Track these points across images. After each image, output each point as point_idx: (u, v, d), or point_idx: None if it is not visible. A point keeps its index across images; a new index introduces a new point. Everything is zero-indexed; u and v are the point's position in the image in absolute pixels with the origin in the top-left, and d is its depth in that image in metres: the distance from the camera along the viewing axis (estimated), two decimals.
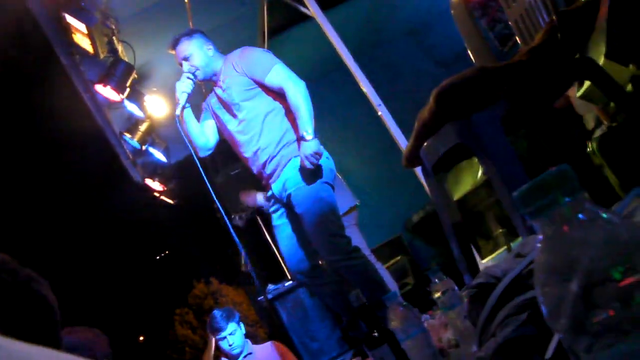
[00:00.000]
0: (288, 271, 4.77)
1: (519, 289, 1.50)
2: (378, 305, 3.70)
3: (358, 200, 6.22)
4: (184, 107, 4.55)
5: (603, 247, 0.68)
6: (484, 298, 1.60)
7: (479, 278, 1.62)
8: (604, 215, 0.71)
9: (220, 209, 4.70)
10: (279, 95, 4.48)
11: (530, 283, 1.49)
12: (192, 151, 4.68)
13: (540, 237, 0.75)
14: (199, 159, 4.75)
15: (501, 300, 1.54)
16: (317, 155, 4.28)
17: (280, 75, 4.41)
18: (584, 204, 0.72)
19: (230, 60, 4.56)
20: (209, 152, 4.77)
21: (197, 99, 4.82)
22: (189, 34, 4.65)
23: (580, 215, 0.71)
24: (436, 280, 2.70)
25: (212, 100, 4.71)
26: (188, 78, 4.51)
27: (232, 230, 4.68)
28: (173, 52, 4.63)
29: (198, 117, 4.74)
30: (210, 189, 4.70)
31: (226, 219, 4.72)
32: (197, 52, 4.57)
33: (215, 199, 4.68)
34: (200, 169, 4.62)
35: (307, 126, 4.28)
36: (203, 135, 4.70)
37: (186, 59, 4.56)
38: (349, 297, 3.73)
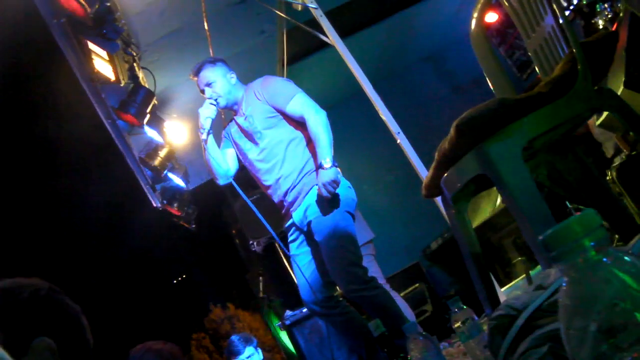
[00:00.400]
0: (303, 302, 4.75)
1: (539, 322, 1.51)
2: (397, 335, 3.70)
3: (374, 234, 6.22)
4: (209, 133, 4.59)
5: (625, 290, 0.69)
6: (504, 330, 1.60)
7: (499, 310, 1.63)
8: (627, 259, 0.72)
9: (265, 223, 4.72)
10: (300, 124, 4.50)
11: (551, 316, 1.50)
12: (215, 175, 4.72)
13: (561, 273, 0.76)
14: (212, 184, 4.77)
15: (522, 333, 1.54)
16: (335, 183, 4.26)
17: (301, 104, 4.44)
18: (608, 248, 0.73)
19: (252, 89, 4.60)
20: (229, 181, 4.78)
21: (217, 128, 4.85)
22: (213, 61, 4.70)
23: (604, 259, 0.73)
24: (456, 310, 2.70)
25: (233, 129, 4.73)
26: (211, 104, 4.56)
27: (277, 238, 4.72)
28: (195, 79, 4.66)
29: (218, 146, 4.78)
30: (252, 204, 4.73)
31: (269, 228, 4.74)
32: (220, 79, 4.61)
33: (257, 213, 4.71)
34: (239, 189, 4.65)
35: (325, 154, 4.29)
36: (224, 163, 4.73)
37: (209, 85, 4.60)
38: (369, 326, 3.75)
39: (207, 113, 4.54)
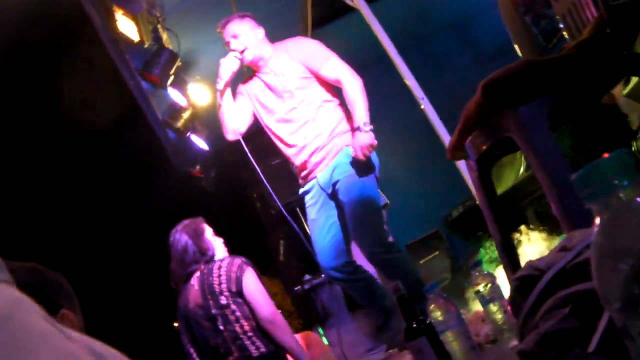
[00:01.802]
0: (320, 268, 4.77)
1: (562, 283, 1.49)
2: (417, 298, 3.71)
3: (387, 200, 6.20)
4: (226, 84, 4.59)
5: None
6: (527, 291, 1.59)
7: (522, 270, 1.62)
8: None
9: (273, 194, 4.73)
10: (331, 87, 4.57)
11: (575, 277, 1.49)
12: (225, 128, 4.73)
13: (597, 222, 0.75)
14: (234, 146, 4.78)
15: (544, 294, 1.53)
16: (372, 147, 4.34)
17: (337, 67, 4.48)
18: None
19: (285, 48, 4.60)
20: (238, 138, 4.75)
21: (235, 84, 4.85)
22: (241, 16, 4.70)
23: (638, 199, 0.71)
24: (477, 273, 2.70)
25: (255, 86, 4.71)
26: (235, 57, 4.55)
27: (287, 215, 4.72)
28: (222, 31, 4.64)
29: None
30: (261, 174, 4.73)
31: (276, 198, 4.75)
32: (247, 32, 4.60)
33: (266, 184, 4.71)
34: (247, 150, 4.64)
35: (364, 118, 4.35)
36: (237, 118, 4.71)
37: (235, 37, 4.58)
38: (388, 288, 3.75)
39: (229, 64, 4.55)
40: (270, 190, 4.76)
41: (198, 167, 7.49)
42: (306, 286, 6.31)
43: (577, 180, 0.74)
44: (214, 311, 4.08)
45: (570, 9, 3.19)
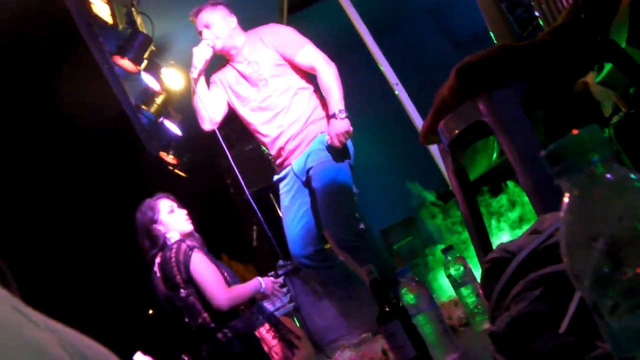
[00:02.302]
0: (289, 256, 4.76)
1: (533, 265, 1.50)
2: (389, 283, 3.72)
3: (356, 189, 6.20)
4: (200, 73, 4.57)
5: (631, 206, 0.68)
6: (498, 273, 1.60)
7: (494, 253, 1.62)
8: (632, 176, 0.70)
9: (240, 179, 4.69)
10: (306, 74, 4.56)
11: (546, 259, 1.49)
12: (200, 117, 4.68)
13: (566, 200, 0.74)
14: (207, 133, 4.75)
15: (515, 276, 1.53)
16: (347, 134, 4.33)
17: (312, 54, 4.47)
18: (613, 164, 0.71)
19: (258, 35, 4.57)
20: (213, 127, 4.72)
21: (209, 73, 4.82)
22: (214, 4, 4.66)
23: (608, 175, 0.71)
24: (449, 257, 2.71)
25: (229, 74, 4.69)
26: (207, 45, 4.53)
27: (253, 203, 4.68)
28: (195, 19, 4.62)
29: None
30: (232, 160, 4.70)
31: (247, 191, 4.72)
32: (219, 21, 4.57)
33: (236, 170, 4.68)
34: (220, 139, 4.61)
35: (339, 105, 4.34)
36: (211, 107, 4.68)
37: (207, 26, 4.56)
38: (361, 273, 3.76)
39: (202, 53, 4.52)
40: (240, 177, 4.73)
41: (171, 153, 7.44)
42: (280, 271, 6.29)
43: (547, 155, 0.73)
44: (177, 304, 4.10)
45: None
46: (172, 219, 4.28)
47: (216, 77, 4.76)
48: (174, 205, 4.37)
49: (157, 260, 4.19)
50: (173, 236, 4.24)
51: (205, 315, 4.07)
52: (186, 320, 4.09)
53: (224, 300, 4.03)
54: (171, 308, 4.16)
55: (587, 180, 0.71)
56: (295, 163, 4.54)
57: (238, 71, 4.62)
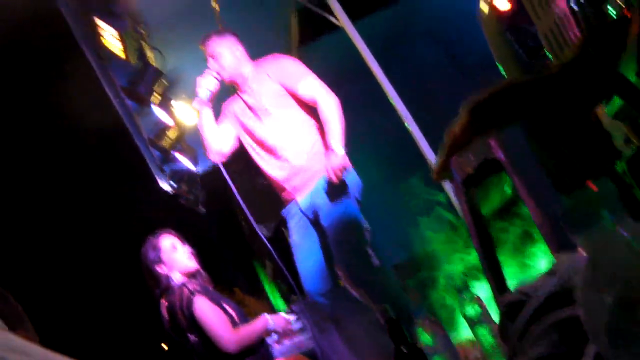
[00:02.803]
0: (303, 292, 4.66)
1: (551, 307, 1.50)
2: (405, 320, 3.69)
3: (367, 225, 6.19)
4: (204, 103, 4.55)
5: None
6: (515, 315, 1.60)
7: (512, 296, 1.62)
8: None
9: (250, 217, 4.66)
10: (308, 106, 4.47)
11: (563, 301, 1.49)
12: (207, 148, 4.65)
13: (579, 254, 0.75)
14: (225, 166, 4.71)
15: (533, 318, 1.53)
16: (344, 169, 4.24)
17: (314, 86, 4.41)
18: (627, 220, 0.72)
19: (262, 67, 4.56)
20: (222, 158, 4.71)
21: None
22: (221, 33, 4.67)
23: (621, 231, 0.71)
24: (464, 297, 2.70)
25: (236, 106, 4.68)
26: (212, 76, 4.53)
27: (264, 238, 4.65)
28: (203, 48, 4.63)
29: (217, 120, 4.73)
30: (237, 194, 4.65)
31: (256, 226, 4.68)
32: (225, 52, 4.57)
33: (244, 207, 4.63)
34: (225, 173, 4.58)
35: (337, 139, 4.26)
36: (219, 138, 4.67)
37: (213, 57, 4.57)
38: (376, 311, 3.73)
39: (205, 83, 4.51)
40: (248, 214, 4.68)
41: (184, 188, 7.44)
42: (294, 307, 6.26)
43: (563, 212, 0.74)
44: (189, 346, 4.08)
45: (552, 29, 3.21)
46: (174, 258, 4.25)
47: (226, 107, 4.76)
48: (177, 241, 4.33)
49: (164, 302, 4.17)
50: (175, 277, 4.21)
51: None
52: None
53: (231, 344, 4.00)
54: (184, 345, 4.15)
55: (599, 236, 0.71)
56: (301, 200, 4.51)
57: (244, 102, 4.62)
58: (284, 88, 4.48)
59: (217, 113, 4.77)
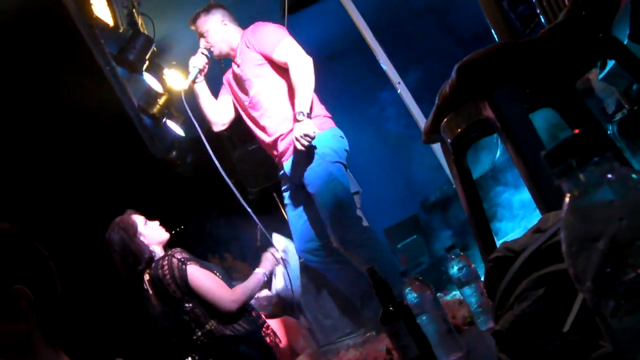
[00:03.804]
0: (296, 251, 4.73)
1: (537, 264, 1.49)
2: (393, 283, 3.70)
3: (359, 188, 6.20)
4: (193, 82, 4.57)
5: (633, 207, 0.67)
6: (501, 272, 1.59)
7: (497, 252, 1.61)
8: (634, 176, 0.70)
9: (230, 185, 4.64)
10: (288, 72, 4.39)
11: (549, 258, 1.48)
12: (197, 126, 4.64)
13: (567, 200, 0.74)
14: (211, 133, 4.75)
15: (519, 275, 1.53)
16: (308, 137, 4.16)
17: (287, 49, 4.35)
18: (613, 164, 0.71)
19: (244, 36, 4.55)
20: (223, 128, 4.75)
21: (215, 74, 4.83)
22: (207, 9, 4.65)
23: (609, 175, 0.70)
24: (453, 257, 2.70)
25: (231, 75, 4.72)
26: (202, 53, 4.54)
27: (246, 205, 4.63)
28: (194, 27, 4.64)
29: (216, 93, 4.76)
30: (218, 164, 4.61)
31: (237, 194, 4.66)
32: (212, 28, 4.58)
33: (224, 175, 4.59)
34: (207, 145, 4.54)
35: (301, 106, 4.19)
36: (217, 110, 4.68)
37: (202, 35, 4.59)
38: (364, 271, 3.74)
39: (195, 62, 4.55)
40: (230, 185, 4.64)
41: (174, 154, 7.43)
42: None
43: (546, 156, 0.73)
44: (181, 317, 4.07)
45: None
46: (150, 231, 4.25)
47: (224, 77, 4.80)
48: (144, 218, 4.34)
49: (146, 277, 4.16)
50: (155, 249, 4.21)
51: (213, 321, 4.06)
52: (195, 330, 4.07)
53: (232, 304, 4.03)
54: (170, 323, 4.14)
55: (587, 180, 0.70)
56: (286, 165, 4.51)
57: (234, 72, 4.64)
58: (262, 56, 4.46)
59: (219, 85, 4.82)
